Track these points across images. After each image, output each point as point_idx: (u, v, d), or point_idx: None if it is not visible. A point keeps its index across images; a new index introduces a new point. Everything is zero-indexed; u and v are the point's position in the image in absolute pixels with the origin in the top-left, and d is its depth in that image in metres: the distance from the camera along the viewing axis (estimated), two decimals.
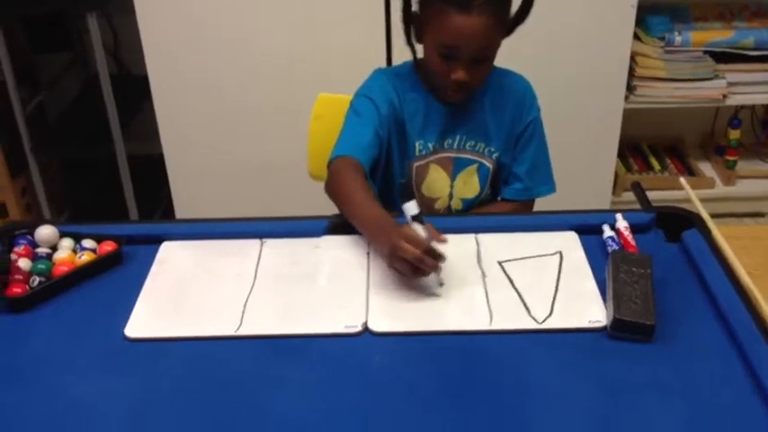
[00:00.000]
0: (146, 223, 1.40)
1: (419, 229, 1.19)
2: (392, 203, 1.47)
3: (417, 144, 1.47)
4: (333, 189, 1.37)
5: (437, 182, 1.51)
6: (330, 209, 1.49)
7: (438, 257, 1.16)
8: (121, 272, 1.29)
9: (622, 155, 2.83)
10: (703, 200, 2.61)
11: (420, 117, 1.47)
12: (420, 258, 1.14)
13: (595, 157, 2.54)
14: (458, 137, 1.48)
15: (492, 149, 1.49)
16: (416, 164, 1.48)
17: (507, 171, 1.53)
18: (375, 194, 1.30)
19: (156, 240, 1.34)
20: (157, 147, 2.47)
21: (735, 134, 2.77)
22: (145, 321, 1.16)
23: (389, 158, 1.48)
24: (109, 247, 1.30)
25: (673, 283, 1.20)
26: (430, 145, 1.48)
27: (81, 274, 1.25)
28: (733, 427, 0.98)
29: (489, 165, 1.50)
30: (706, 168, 2.90)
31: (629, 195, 2.78)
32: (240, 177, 2.51)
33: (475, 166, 1.50)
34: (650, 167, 2.88)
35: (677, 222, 1.34)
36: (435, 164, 1.49)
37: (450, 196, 1.52)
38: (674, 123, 2.98)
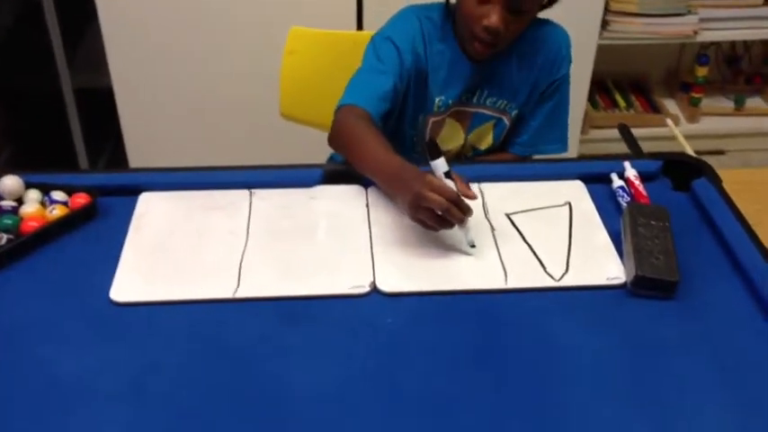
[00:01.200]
0: (120, 172, 1.28)
1: (448, 183, 1.10)
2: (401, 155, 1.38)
3: (437, 100, 1.37)
4: (340, 138, 1.26)
5: (451, 136, 1.42)
6: (302, 152, 1.38)
7: (465, 210, 1.08)
8: (97, 227, 1.18)
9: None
10: (668, 137, 2.60)
11: (444, 71, 1.35)
12: (446, 208, 1.06)
13: None
14: (478, 92, 1.38)
15: (514, 105, 1.40)
16: (433, 119, 1.39)
17: (519, 123, 1.44)
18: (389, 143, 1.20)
19: (133, 191, 1.23)
20: (106, 79, 2.29)
21: (702, 71, 2.74)
22: (131, 283, 1.06)
23: (403, 110, 1.38)
24: (82, 199, 1.18)
25: (686, 235, 1.15)
26: (450, 101, 1.38)
27: (54, 231, 1.13)
28: (761, 383, 0.96)
29: (507, 122, 1.42)
30: (670, 105, 2.88)
31: (597, 133, 2.77)
32: (200, 116, 2.36)
33: (492, 122, 1.42)
34: (616, 104, 2.85)
35: (684, 170, 1.30)
36: (452, 118, 1.40)
37: (463, 147, 1.44)
38: (639, 59, 2.93)
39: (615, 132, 2.67)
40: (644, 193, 1.22)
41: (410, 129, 1.40)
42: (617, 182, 1.25)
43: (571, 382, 0.95)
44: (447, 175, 1.11)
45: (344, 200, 1.23)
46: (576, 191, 1.26)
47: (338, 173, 1.26)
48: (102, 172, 1.27)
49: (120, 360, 0.96)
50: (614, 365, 0.98)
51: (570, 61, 1.41)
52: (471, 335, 1.01)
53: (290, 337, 1.00)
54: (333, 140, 1.28)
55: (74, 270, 1.09)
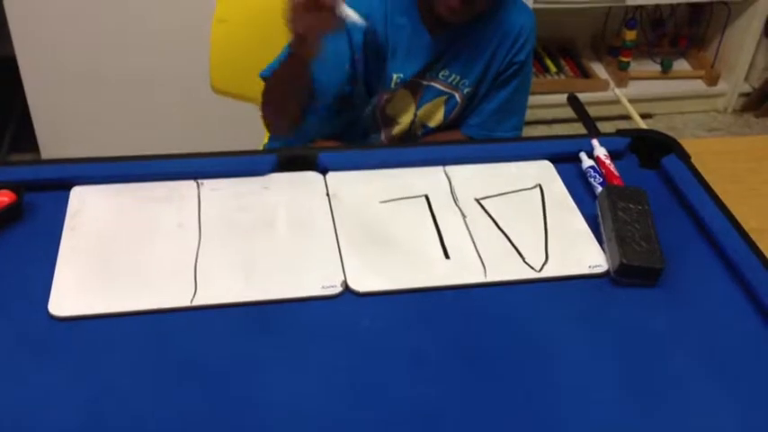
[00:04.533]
0: (46, 164, 1.13)
1: None
2: (356, 135, 1.29)
3: (395, 77, 1.28)
4: (273, 99, 1.25)
5: (402, 108, 1.34)
6: (236, 129, 1.26)
7: None
8: (24, 229, 1.04)
9: None
10: (597, 102, 2.58)
11: (403, 48, 1.26)
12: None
13: None
14: (434, 67, 1.30)
15: (466, 83, 1.32)
16: (386, 96, 1.31)
17: (474, 104, 1.37)
18: None
19: (63, 185, 1.09)
20: (8, 47, 2.08)
21: (630, 35, 2.74)
22: (72, 294, 0.94)
23: (358, 92, 1.29)
24: (5, 197, 1.03)
25: (660, 216, 1.10)
26: (408, 78, 1.29)
27: None
28: (753, 370, 0.93)
29: (459, 99, 1.34)
30: (599, 70, 2.87)
31: (532, 99, 2.73)
32: (119, 88, 2.18)
33: (444, 97, 1.33)
34: (546, 69, 2.82)
35: (650, 147, 1.26)
36: (404, 89, 1.32)
37: (413, 122, 1.36)
38: (566, 24, 2.91)
39: (549, 98, 2.67)
40: (616, 173, 1.17)
41: (365, 105, 1.31)
42: (586, 161, 1.20)
43: (562, 378, 0.90)
44: None
45: (302, 189, 1.13)
46: (544, 172, 1.20)
47: (292, 158, 1.16)
48: (26, 164, 1.12)
49: (68, 387, 0.84)
50: (605, 359, 0.93)
51: (533, 47, 1.35)
52: (455, 334, 0.94)
53: (260, 348, 0.91)
54: (265, 107, 1.26)
55: (2, 281, 0.96)
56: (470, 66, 1.31)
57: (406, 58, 1.27)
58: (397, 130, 1.35)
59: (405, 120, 1.35)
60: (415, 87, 1.32)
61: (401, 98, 1.32)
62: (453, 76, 1.31)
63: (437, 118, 1.36)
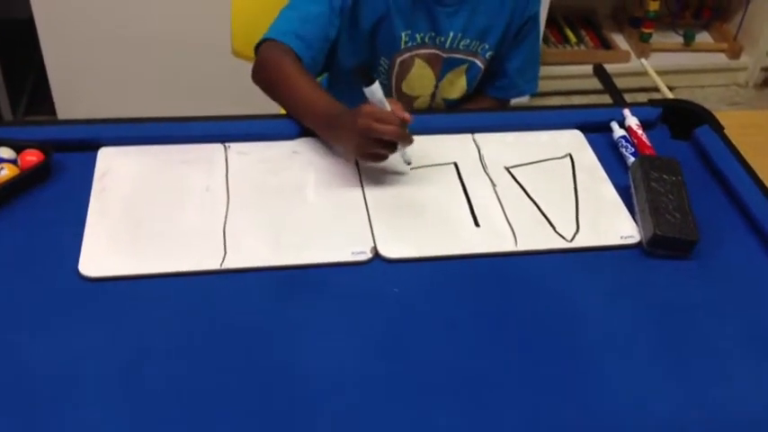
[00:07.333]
0: (73, 124, 1.12)
1: (386, 104, 1.04)
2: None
3: (404, 35, 1.24)
4: (265, 77, 1.18)
5: (421, 80, 1.30)
6: (256, 95, 1.25)
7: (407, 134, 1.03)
8: (52, 189, 1.03)
9: None
10: (618, 74, 2.55)
11: (408, 2, 1.21)
12: (397, 133, 1.01)
13: None
14: (451, 34, 1.25)
15: (486, 47, 1.28)
16: (400, 58, 1.26)
17: (496, 66, 1.34)
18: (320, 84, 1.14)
19: (90, 146, 1.08)
20: (26, 9, 2.06)
21: (654, 5, 2.69)
22: (102, 255, 0.93)
23: (374, 50, 1.26)
24: (33, 157, 1.03)
25: (693, 187, 1.09)
26: (418, 36, 1.24)
27: (3, 196, 0.98)
28: None
29: (481, 65, 1.30)
30: (620, 41, 2.83)
31: (550, 70, 2.70)
32: (138, 51, 2.16)
33: (465, 66, 1.30)
34: (566, 40, 2.78)
35: (682, 117, 1.24)
36: (422, 60, 1.27)
37: (433, 96, 1.33)
38: None
39: (568, 69, 2.64)
40: (648, 143, 1.16)
41: (375, 73, 1.28)
42: (618, 131, 1.18)
43: (593, 348, 0.90)
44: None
45: (330, 154, 1.11)
46: (575, 141, 1.19)
47: None
48: (53, 124, 1.11)
49: (99, 347, 0.84)
50: (637, 329, 0.92)
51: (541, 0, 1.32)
52: (486, 303, 0.94)
53: (290, 312, 0.90)
54: (257, 79, 1.20)
55: (34, 240, 0.95)
56: (489, 29, 1.27)
57: (412, 13, 1.22)
58: (417, 103, 1.33)
59: (425, 92, 1.32)
60: (433, 59, 1.28)
61: (419, 69, 1.28)
62: (473, 42, 1.27)
63: (459, 87, 1.33)
